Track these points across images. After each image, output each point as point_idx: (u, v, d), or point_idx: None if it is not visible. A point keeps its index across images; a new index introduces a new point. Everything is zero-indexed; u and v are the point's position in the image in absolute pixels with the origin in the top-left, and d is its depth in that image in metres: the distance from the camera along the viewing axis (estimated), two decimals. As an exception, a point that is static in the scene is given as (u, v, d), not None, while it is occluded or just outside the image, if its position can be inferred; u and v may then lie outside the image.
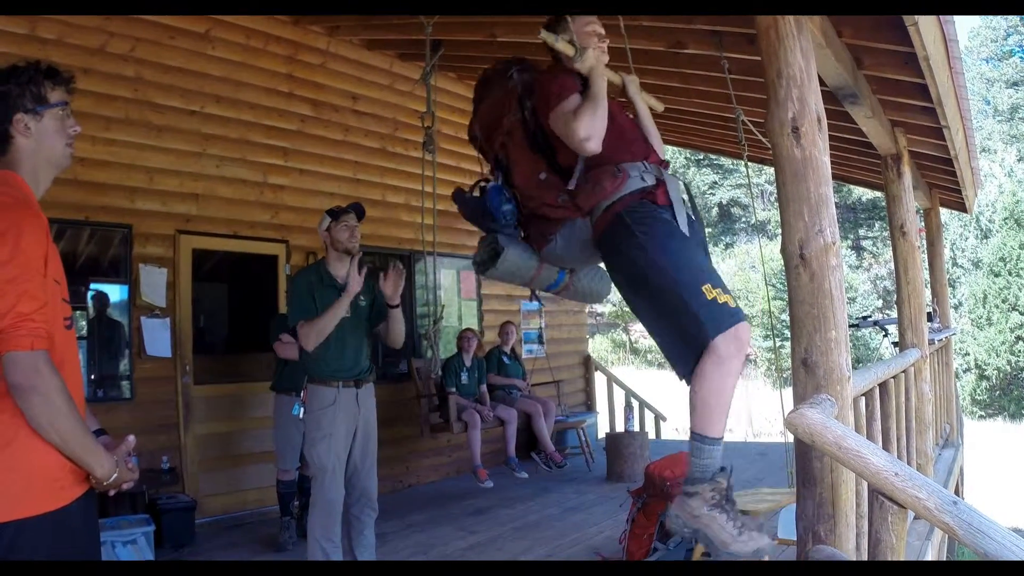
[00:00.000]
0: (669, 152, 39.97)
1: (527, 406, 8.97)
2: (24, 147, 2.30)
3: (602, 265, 3.45)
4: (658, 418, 12.47)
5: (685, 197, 3.29)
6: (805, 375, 2.89)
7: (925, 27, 3.58)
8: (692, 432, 2.89)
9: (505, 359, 9.44)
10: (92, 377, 6.47)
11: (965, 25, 45.81)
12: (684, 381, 2.95)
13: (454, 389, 8.35)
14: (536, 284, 3.75)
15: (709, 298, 2.85)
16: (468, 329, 9.12)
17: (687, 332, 2.88)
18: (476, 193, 3.74)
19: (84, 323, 6.48)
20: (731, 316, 2.84)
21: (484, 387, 8.87)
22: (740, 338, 2.83)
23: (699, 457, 2.86)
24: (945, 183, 7.93)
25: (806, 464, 2.86)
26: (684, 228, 3.08)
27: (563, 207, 3.33)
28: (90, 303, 6.55)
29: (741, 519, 2.78)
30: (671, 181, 3.25)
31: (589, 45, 3.42)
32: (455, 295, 10.05)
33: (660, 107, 4.10)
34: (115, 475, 2.21)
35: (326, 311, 4.83)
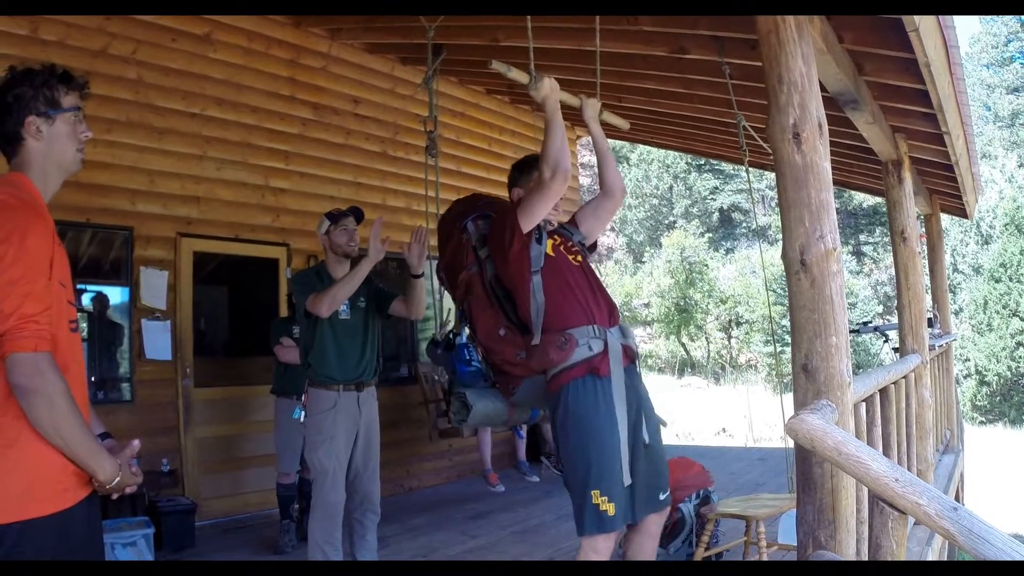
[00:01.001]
0: (669, 156, 40.07)
1: (537, 410, 8.93)
2: (35, 150, 2.31)
3: None
4: (658, 423, 12.42)
5: (633, 346, 3.63)
6: (806, 381, 2.89)
7: (926, 33, 3.58)
8: None
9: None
10: (92, 379, 6.45)
11: (966, 31, 45.97)
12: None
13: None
14: (513, 423, 4.13)
15: (594, 503, 3.29)
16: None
17: (576, 510, 3.38)
18: (444, 348, 4.10)
19: (85, 325, 6.49)
20: (602, 525, 3.30)
21: None
22: (597, 548, 3.32)
23: None
24: (946, 189, 7.93)
25: (806, 470, 2.86)
26: (619, 396, 3.40)
27: (521, 365, 3.52)
28: (91, 305, 6.56)
29: None
30: (613, 345, 3.48)
31: None
32: (456, 299, 10.02)
33: (625, 126, 4.19)
34: (118, 479, 2.21)
35: (344, 278, 4.80)
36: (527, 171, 3.75)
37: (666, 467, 3.67)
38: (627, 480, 3.35)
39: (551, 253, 3.57)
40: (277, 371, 6.66)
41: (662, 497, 3.57)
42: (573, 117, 3.99)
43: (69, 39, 6.18)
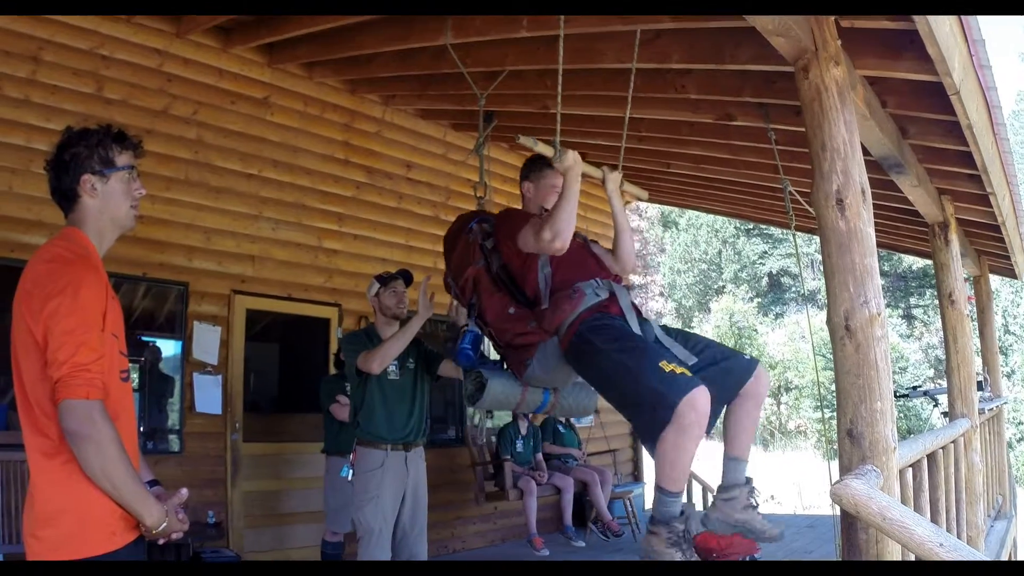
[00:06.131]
0: (718, 221, 39.97)
1: (584, 475, 8.91)
2: (90, 207, 2.40)
3: (580, 379, 3.76)
4: (705, 489, 12.29)
5: (637, 304, 3.67)
6: (851, 446, 2.89)
7: (967, 96, 3.62)
8: (655, 485, 3.13)
9: (560, 428, 9.41)
10: (142, 429, 6.50)
11: (1012, 88, 45.38)
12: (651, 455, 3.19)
13: (509, 456, 8.35)
14: (524, 408, 4.13)
15: (667, 371, 3.07)
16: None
17: (653, 408, 3.06)
18: (454, 342, 4.13)
19: (136, 376, 6.59)
20: (688, 383, 3.01)
21: (539, 455, 8.85)
22: (697, 403, 2.97)
23: (660, 506, 3.12)
24: (994, 249, 7.88)
25: (852, 535, 2.85)
26: (636, 330, 3.44)
27: (533, 332, 3.66)
28: (144, 357, 6.65)
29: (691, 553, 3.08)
30: (621, 293, 3.61)
31: (549, 199, 3.83)
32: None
33: (644, 195, 4.33)
34: (164, 524, 2.27)
35: (395, 334, 4.89)
36: (536, 167, 3.98)
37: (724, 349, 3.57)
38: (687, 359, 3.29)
39: None
40: (331, 430, 6.65)
41: (747, 358, 3.51)
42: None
43: (132, 99, 6.38)
